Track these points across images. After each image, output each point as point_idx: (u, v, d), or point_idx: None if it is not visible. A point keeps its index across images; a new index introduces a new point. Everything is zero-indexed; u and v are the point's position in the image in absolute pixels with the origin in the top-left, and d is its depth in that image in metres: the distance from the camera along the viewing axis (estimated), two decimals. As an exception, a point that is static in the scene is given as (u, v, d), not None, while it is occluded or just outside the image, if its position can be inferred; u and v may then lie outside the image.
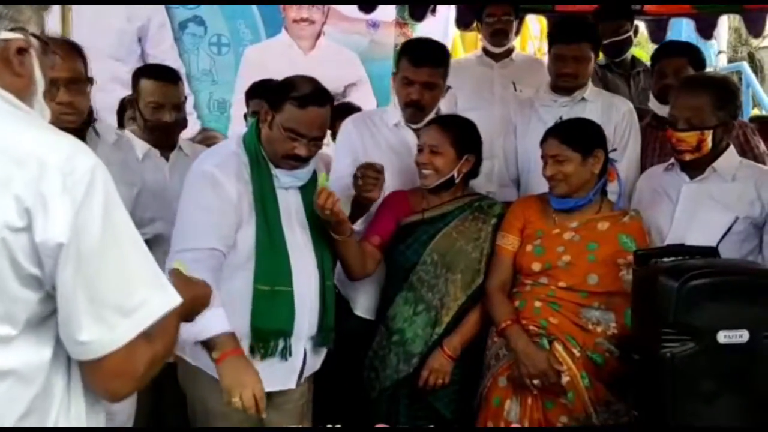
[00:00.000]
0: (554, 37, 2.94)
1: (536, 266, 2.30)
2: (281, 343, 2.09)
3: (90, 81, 2.05)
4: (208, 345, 1.94)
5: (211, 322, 1.93)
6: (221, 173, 2.06)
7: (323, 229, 2.21)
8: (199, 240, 2.01)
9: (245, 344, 2.04)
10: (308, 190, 2.19)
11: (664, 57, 3.07)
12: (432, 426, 2.29)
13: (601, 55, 3.52)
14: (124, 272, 1.07)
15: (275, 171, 2.13)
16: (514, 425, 1.93)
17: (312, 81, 2.13)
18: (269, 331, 2.08)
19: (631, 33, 3.67)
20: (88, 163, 1.06)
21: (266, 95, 2.14)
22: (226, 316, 1.96)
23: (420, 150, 2.41)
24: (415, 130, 2.60)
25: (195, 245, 2.00)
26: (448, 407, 2.39)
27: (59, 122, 1.98)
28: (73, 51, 2.03)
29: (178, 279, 1.26)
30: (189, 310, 1.19)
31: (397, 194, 2.49)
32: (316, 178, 2.22)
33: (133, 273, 1.09)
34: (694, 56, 3.03)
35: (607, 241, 2.26)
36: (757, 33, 3.94)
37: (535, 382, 2.19)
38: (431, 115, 2.60)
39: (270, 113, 2.10)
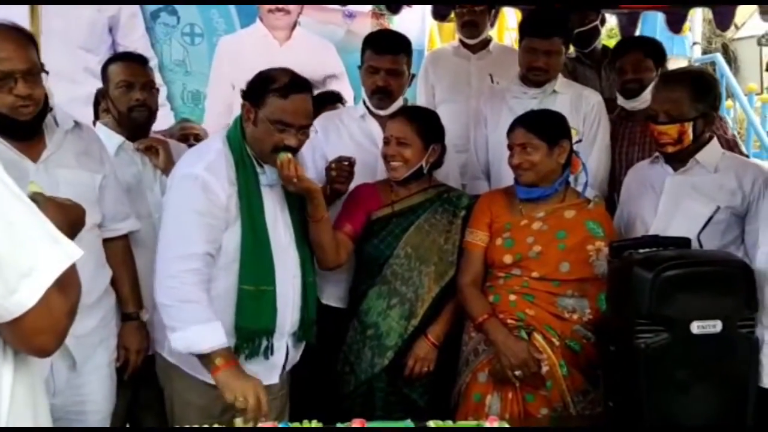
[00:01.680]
0: (526, 29, 2.96)
1: (508, 258, 2.32)
2: (264, 342, 2.11)
3: (44, 69, 2.00)
4: (204, 358, 1.96)
5: (208, 337, 1.95)
6: (211, 176, 2.05)
7: (306, 226, 2.22)
8: (194, 245, 2.00)
9: (230, 344, 2.04)
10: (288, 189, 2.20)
11: (621, 54, 3.15)
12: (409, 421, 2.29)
13: (571, 47, 3.55)
14: (16, 235, 1.08)
15: (261, 169, 2.13)
16: (495, 420, 1.93)
17: (289, 71, 2.12)
18: (254, 330, 2.09)
19: (598, 23, 3.69)
20: None
21: (246, 93, 2.13)
22: (221, 327, 1.97)
23: (386, 142, 2.42)
24: (381, 122, 2.63)
25: (189, 251, 2.00)
26: (423, 397, 2.41)
27: (17, 114, 1.95)
28: (26, 41, 1.96)
29: (48, 204, 1.27)
30: (68, 234, 1.20)
31: (366, 187, 2.51)
32: None
33: (25, 234, 1.10)
34: (650, 47, 3.11)
35: (575, 229, 2.30)
36: (725, 26, 3.99)
37: (517, 373, 2.20)
38: (398, 102, 2.66)
39: (253, 110, 2.09)
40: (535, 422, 2.19)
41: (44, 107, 2.03)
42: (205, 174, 2.05)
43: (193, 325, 1.97)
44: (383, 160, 2.44)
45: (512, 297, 2.30)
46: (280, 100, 2.06)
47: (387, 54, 2.63)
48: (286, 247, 2.17)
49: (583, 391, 2.23)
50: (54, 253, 1.12)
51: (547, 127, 2.32)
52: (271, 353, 2.13)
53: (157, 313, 2.16)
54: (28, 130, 2.01)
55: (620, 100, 3.11)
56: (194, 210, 2.03)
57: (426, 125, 2.43)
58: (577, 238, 2.29)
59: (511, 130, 2.37)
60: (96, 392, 2.15)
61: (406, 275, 2.39)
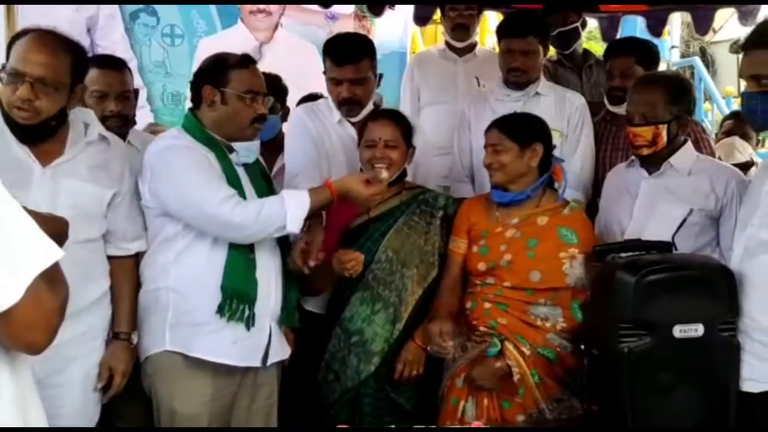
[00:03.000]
0: (502, 31, 2.96)
1: (482, 266, 2.33)
2: (246, 311, 2.12)
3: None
4: (317, 207, 2.13)
5: (296, 200, 2.10)
6: (183, 143, 2.14)
7: None
8: (216, 190, 2.07)
9: (215, 305, 2.09)
10: (254, 170, 2.27)
11: (611, 56, 3.12)
12: (393, 426, 2.27)
13: (553, 50, 3.55)
14: (2, 233, 1.11)
15: (235, 146, 2.19)
16: (480, 425, 1.94)
17: (235, 54, 2.23)
18: (239, 291, 2.12)
19: (579, 24, 3.65)
20: None
21: (204, 79, 2.18)
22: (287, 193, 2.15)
23: (372, 145, 2.38)
24: (354, 125, 2.61)
25: (217, 195, 2.06)
26: (410, 401, 2.39)
27: (13, 114, 1.93)
28: (63, 56, 1.94)
29: (36, 217, 1.28)
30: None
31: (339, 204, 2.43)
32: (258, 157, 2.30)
33: (11, 233, 1.12)
34: (643, 53, 3.05)
35: (546, 237, 2.28)
36: (704, 31, 4.02)
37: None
38: (368, 106, 2.63)
39: (217, 92, 2.15)
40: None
41: (54, 120, 1.96)
42: (175, 141, 2.15)
43: (285, 208, 2.08)
44: (366, 163, 2.40)
45: (487, 305, 2.30)
46: (243, 70, 2.17)
47: (347, 65, 2.55)
48: None
49: (557, 399, 2.23)
50: (39, 249, 1.15)
51: (519, 129, 2.33)
52: (252, 324, 2.13)
53: (147, 315, 2.15)
54: (29, 134, 1.96)
55: (606, 103, 3.09)
56: (192, 166, 2.10)
57: (408, 127, 2.44)
58: (548, 246, 2.26)
59: (487, 131, 2.39)
60: (64, 406, 2.03)
61: (388, 279, 2.37)
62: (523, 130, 2.34)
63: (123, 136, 2.57)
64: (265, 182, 2.32)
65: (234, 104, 2.15)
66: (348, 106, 2.60)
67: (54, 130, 1.99)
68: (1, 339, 1.15)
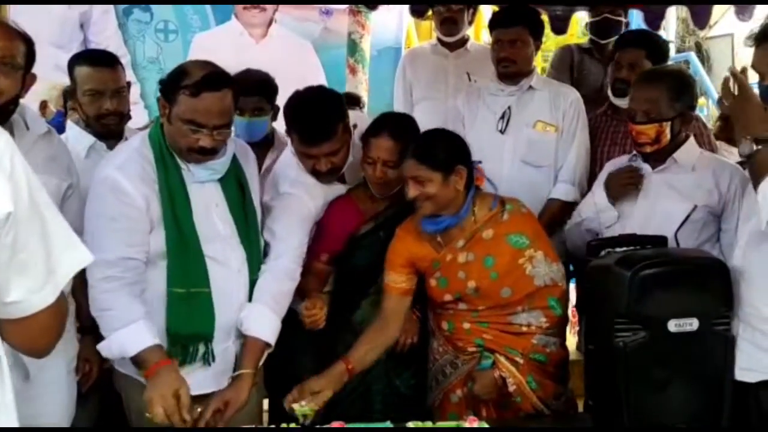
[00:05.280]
0: (493, 23, 2.96)
1: (448, 297, 2.23)
2: (201, 348, 2.01)
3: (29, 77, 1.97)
4: (135, 361, 1.90)
5: (131, 339, 1.88)
6: (123, 177, 1.94)
7: (251, 221, 2.12)
8: (106, 252, 1.88)
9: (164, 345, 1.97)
10: (229, 182, 2.09)
11: (621, 48, 3.07)
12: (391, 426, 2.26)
13: (585, 37, 3.49)
14: (47, 234, 1.11)
15: (188, 165, 2.01)
16: (475, 420, 1.91)
17: (207, 65, 1.98)
18: (187, 335, 1.99)
19: (623, 19, 3.59)
20: (2, 137, 1.09)
21: (161, 88, 2.01)
22: (147, 328, 1.90)
23: (371, 162, 2.27)
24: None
25: (102, 257, 1.83)
26: (408, 383, 2.39)
27: None
28: (14, 35, 1.91)
29: None
30: None
31: (342, 205, 2.37)
32: (238, 166, 2.12)
33: (53, 234, 1.13)
34: (653, 47, 3.02)
35: (499, 250, 2.18)
36: (702, 24, 4.01)
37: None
38: (348, 161, 2.37)
39: (167, 106, 1.97)
40: (513, 422, 2.16)
41: (12, 104, 1.93)
42: (116, 173, 1.94)
43: (115, 332, 1.90)
44: (368, 180, 2.32)
45: (466, 325, 2.23)
46: (190, 99, 1.91)
47: (322, 143, 2.22)
48: (225, 244, 2.05)
49: (556, 395, 2.21)
50: (73, 255, 1.16)
51: (438, 156, 2.13)
52: (213, 359, 2.01)
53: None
54: None
55: (609, 94, 3.05)
56: (105, 215, 1.93)
57: (409, 141, 2.26)
58: (505, 259, 2.17)
59: (404, 162, 2.17)
60: (49, 404, 2.04)
61: None
62: (443, 155, 2.14)
63: (120, 133, 2.56)
64: (242, 197, 2.11)
65: (177, 126, 1.94)
66: (327, 176, 2.31)
67: (6, 117, 1.93)
68: (14, 340, 1.14)
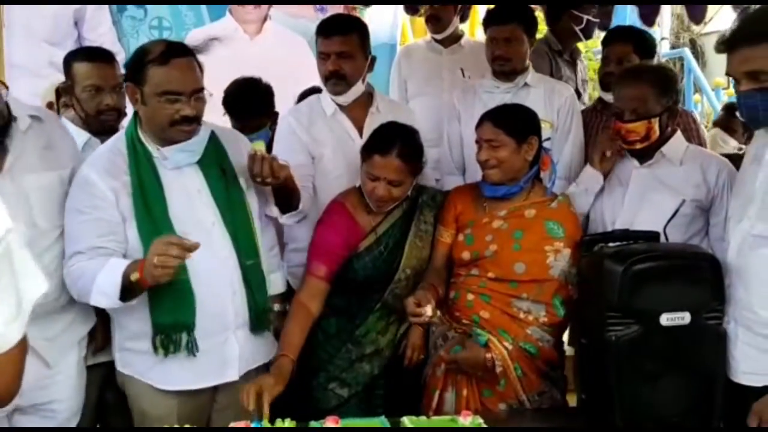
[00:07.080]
0: (487, 21, 2.97)
1: (466, 255, 2.29)
2: (184, 338, 1.99)
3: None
4: (126, 285, 1.89)
5: (113, 272, 1.89)
6: (92, 171, 1.99)
7: (236, 206, 2.10)
8: (80, 242, 1.96)
9: (148, 341, 1.99)
10: (211, 167, 2.08)
11: (609, 42, 3.11)
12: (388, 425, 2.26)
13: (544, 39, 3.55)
14: (13, 263, 1.05)
15: (163, 152, 2.01)
16: (469, 414, 1.92)
17: (164, 41, 2.08)
18: (168, 324, 1.99)
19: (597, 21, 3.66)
20: None
21: (127, 75, 2.02)
22: (119, 261, 1.92)
23: (373, 179, 2.25)
24: (350, 115, 2.57)
25: (72, 250, 1.96)
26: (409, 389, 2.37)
27: None
28: None
29: None
30: None
31: (341, 213, 2.35)
32: (221, 151, 2.12)
33: (18, 262, 1.06)
34: (640, 42, 3.05)
35: (533, 229, 2.25)
36: (698, 20, 4.03)
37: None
38: (357, 87, 2.54)
39: (137, 90, 1.98)
40: (494, 417, 2.14)
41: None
42: (86, 169, 2.00)
43: (95, 284, 1.91)
44: (367, 194, 2.30)
45: (470, 296, 2.27)
46: (160, 68, 1.93)
47: (334, 36, 2.48)
48: (210, 231, 2.03)
49: (540, 392, 2.22)
50: (36, 282, 1.10)
51: (516, 123, 2.25)
52: (197, 349, 2.00)
53: (111, 324, 2.13)
54: None
55: (599, 90, 3.10)
56: (74, 209, 1.98)
57: (417, 160, 2.30)
58: (534, 238, 2.23)
59: (479, 125, 2.30)
60: (64, 390, 2.09)
61: (405, 294, 2.25)
62: (521, 124, 2.26)
63: (116, 130, 2.56)
64: (226, 183, 2.10)
65: (152, 104, 1.95)
66: (334, 80, 2.49)
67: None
68: None
